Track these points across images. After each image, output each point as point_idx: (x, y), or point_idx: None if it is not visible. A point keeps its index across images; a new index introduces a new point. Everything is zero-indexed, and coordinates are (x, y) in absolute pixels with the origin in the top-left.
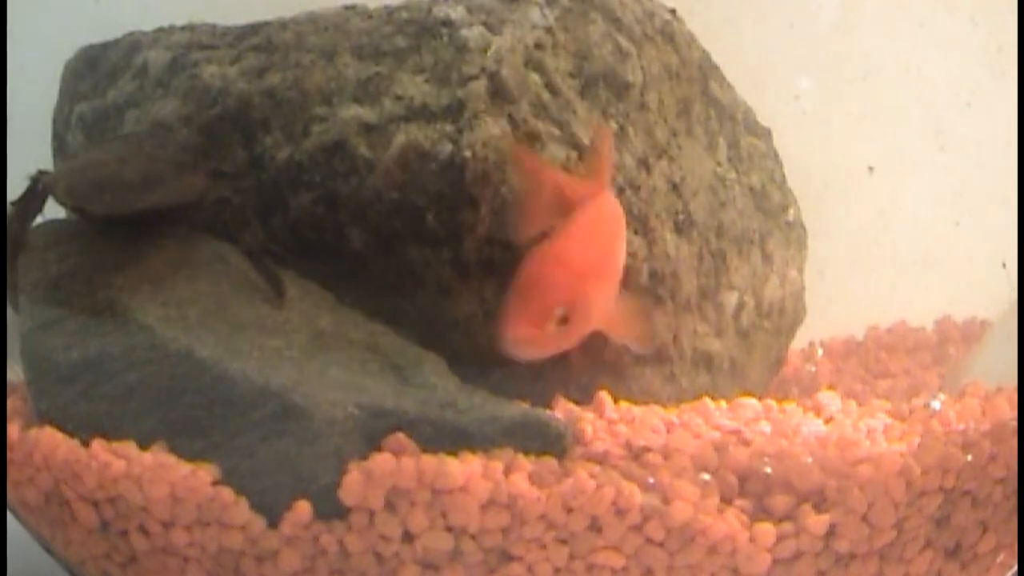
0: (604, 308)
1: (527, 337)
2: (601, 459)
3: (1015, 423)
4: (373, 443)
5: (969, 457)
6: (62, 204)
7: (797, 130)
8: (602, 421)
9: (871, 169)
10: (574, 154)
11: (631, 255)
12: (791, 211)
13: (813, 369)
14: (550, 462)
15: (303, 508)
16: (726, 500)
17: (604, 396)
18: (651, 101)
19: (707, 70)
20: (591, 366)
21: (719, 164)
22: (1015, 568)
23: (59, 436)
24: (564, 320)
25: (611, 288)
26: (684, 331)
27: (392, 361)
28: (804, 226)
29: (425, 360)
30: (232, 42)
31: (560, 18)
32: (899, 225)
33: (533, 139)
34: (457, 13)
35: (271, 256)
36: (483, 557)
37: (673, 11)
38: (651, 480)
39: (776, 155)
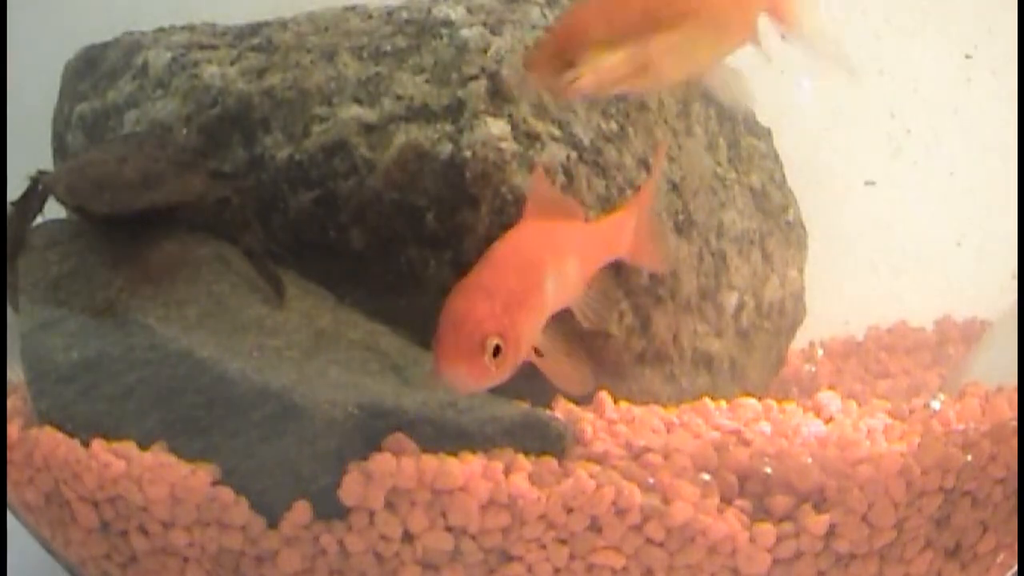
0: (532, 339)
1: (464, 372)
2: (601, 459)
3: (1015, 423)
4: (373, 443)
5: (969, 457)
6: (62, 203)
7: (797, 130)
8: (602, 421)
9: (870, 183)
10: (574, 154)
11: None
12: (791, 211)
13: (813, 369)
14: (550, 462)
15: (303, 508)
16: (726, 500)
17: (604, 396)
18: (651, 101)
19: None
20: (591, 366)
21: (719, 164)
22: (1015, 568)
23: (59, 436)
24: (497, 351)
25: (538, 318)
26: (684, 331)
27: (392, 361)
28: (804, 226)
29: (425, 360)
30: (232, 42)
31: None
32: (899, 225)
33: (533, 139)
34: (457, 13)
35: (271, 256)
36: (483, 557)
37: None
38: (651, 480)
39: (776, 155)
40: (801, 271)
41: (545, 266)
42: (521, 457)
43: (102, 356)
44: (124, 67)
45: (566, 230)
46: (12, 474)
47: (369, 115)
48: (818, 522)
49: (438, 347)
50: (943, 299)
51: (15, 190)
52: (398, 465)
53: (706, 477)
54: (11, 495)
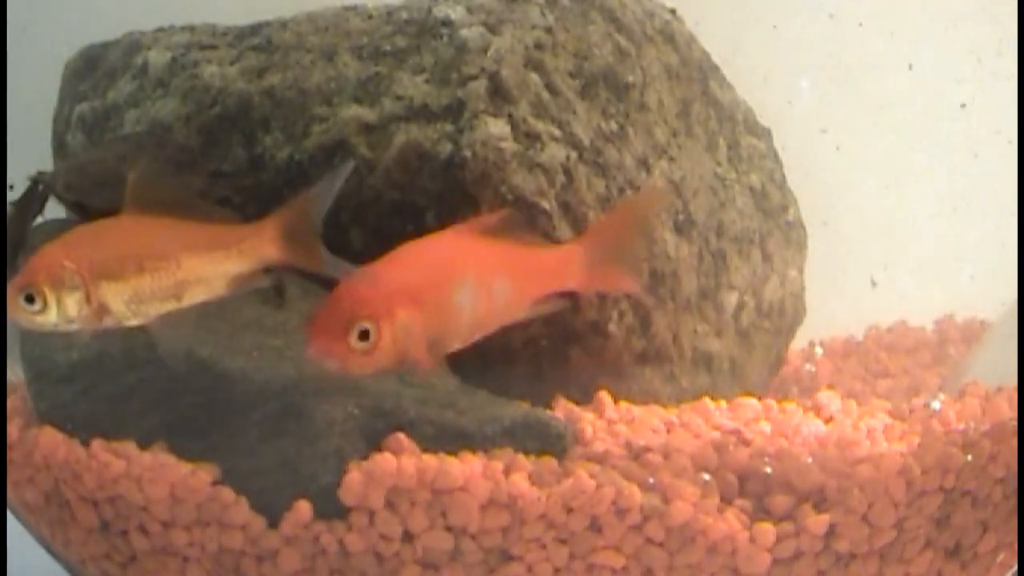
0: (438, 344)
1: (326, 349)
2: (601, 459)
3: (1015, 423)
4: (373, 443)
5: (969, 457)
6: (61, 200)
7: (797, 130)
8: (602, 421)
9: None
10: (574, 154)
11: None
12: (791, 211)
13: (813, 369)
14: (550, 462)
15: (303, 508)
16: (726, 500)
17: (604, 396)
18: (651, 101)
19: (707, 70)
20: (591, 366)
21: (719, 164)
22: (1015, 568)
23: (59, 436)
24: (365, 336)
25: (444, 323)
26: (684, 331)
27: None
28: (804, 226)
29: None
30: (232, 42)
31: (560, 18)
32: (899, 225)
33: (533, 139)
34: (457, 13)
35: None
36: (483, 557)
37: (673, 11)
38: (651, 480)
39: (776, 155)
40: (801, 271)
41: (458, 274)
42: (521, 457)
43: (102, 356)
44: (124, 67)
45: (499, 248)
46: (12, 474)
47: (369, 115)
48: (818, 522)
49: (310, 322)
50: (943, 299)
51: (15, 190)
52: (398, 465)
53: (706, 477)
54: (11, 495)
